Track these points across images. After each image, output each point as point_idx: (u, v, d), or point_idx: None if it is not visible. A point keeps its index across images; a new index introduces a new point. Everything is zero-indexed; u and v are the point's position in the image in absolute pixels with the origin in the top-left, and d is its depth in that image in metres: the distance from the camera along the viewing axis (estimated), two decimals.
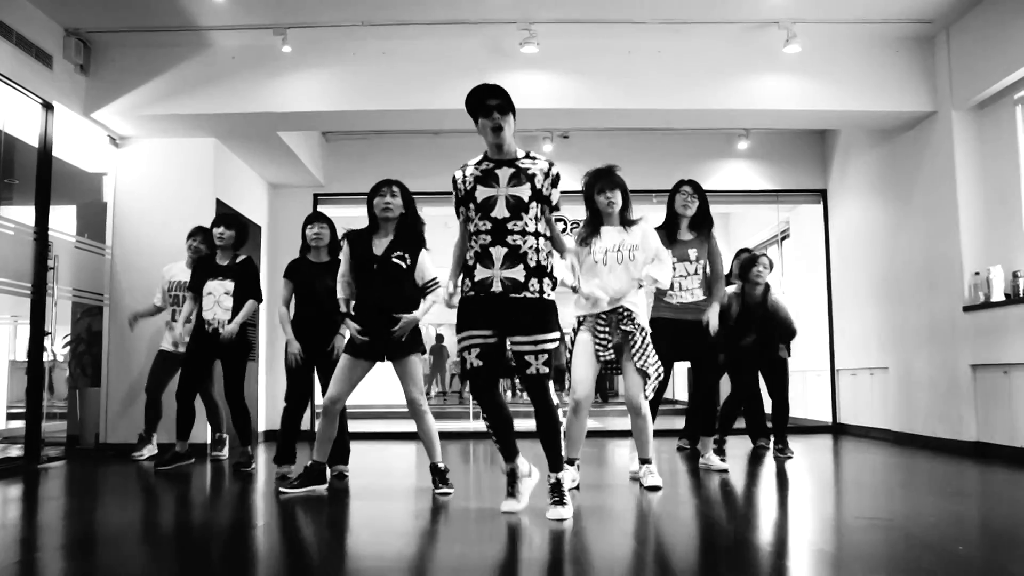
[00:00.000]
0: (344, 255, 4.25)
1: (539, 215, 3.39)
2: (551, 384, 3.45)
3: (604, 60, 6.28)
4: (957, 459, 5.51)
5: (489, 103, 3.35)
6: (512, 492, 3.53)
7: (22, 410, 5.47)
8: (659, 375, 4.14)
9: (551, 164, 3.45)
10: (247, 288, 5.30)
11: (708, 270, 4.83)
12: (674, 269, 4.50)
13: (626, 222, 4.15)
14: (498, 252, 3.32)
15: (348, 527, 3.61)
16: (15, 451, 5.39)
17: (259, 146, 7.08)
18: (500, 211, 3.33)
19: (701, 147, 8.31)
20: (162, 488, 4.66)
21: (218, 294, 5.24)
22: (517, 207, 3.33)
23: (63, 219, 6.06)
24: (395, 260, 4.14)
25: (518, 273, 3.32)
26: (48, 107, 5.66)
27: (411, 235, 4.24)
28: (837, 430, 7.93)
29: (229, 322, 5.18)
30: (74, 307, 6.23)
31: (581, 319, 4.13)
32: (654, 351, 4.12)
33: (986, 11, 5.68)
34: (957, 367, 5.97)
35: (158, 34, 6.02)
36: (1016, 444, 5.34)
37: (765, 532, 3.30)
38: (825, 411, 8.18)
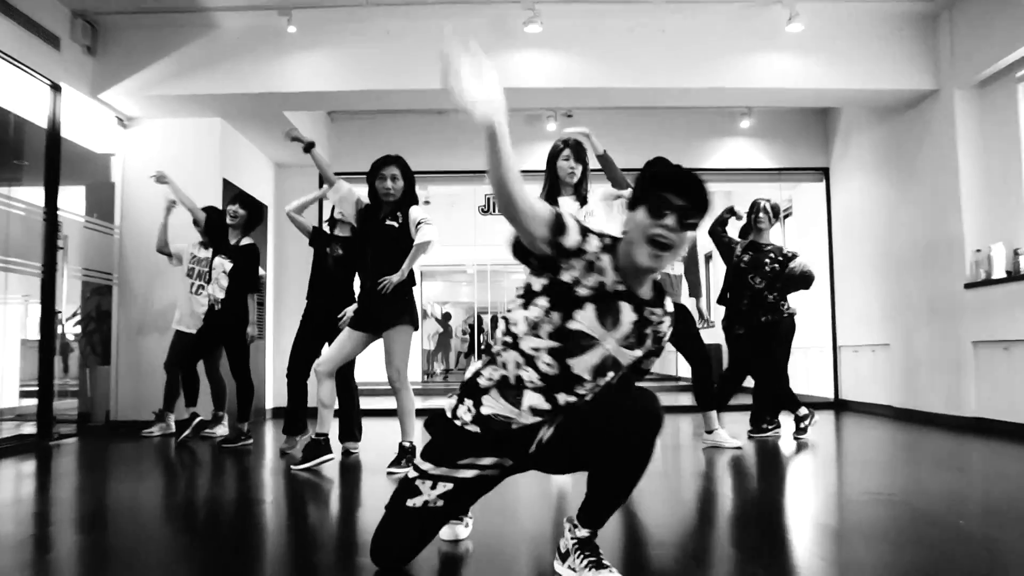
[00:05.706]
0: None
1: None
2: None
3: (607, 39, 6.23)
4: (958, 435, 5.52)
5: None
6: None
7: (35, 388, 5.49)
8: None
9: None
10: (244, 276, 5.35)
11: None
12: None
13: (582, 197, 4.13)
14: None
15: (355, 501, 3.63)
16: (28, 428, 5.41)
17: (265, 126, 7.05)
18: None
19: (703, 125, 8.27)
20: (169, 464, 4.70)
21: (217, 272, 5.35)
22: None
23: (72, 199, 6.06)
24: (388, 223, 4.17)
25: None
26: (56, 88, 5.65)
27: (406, 200, 4.24)
28: (839, 406, 7.94)
29: (241, 320, 5.36)
30: (83, 286, 6.25)
31: None
32: None
33: None
34: (958, 344, 5.98)
35: (164, 15, 6.00)
36: (1016, 420, 5.37)
37: (770, 507, 3.29)
38: (827, 387, 8.18)
